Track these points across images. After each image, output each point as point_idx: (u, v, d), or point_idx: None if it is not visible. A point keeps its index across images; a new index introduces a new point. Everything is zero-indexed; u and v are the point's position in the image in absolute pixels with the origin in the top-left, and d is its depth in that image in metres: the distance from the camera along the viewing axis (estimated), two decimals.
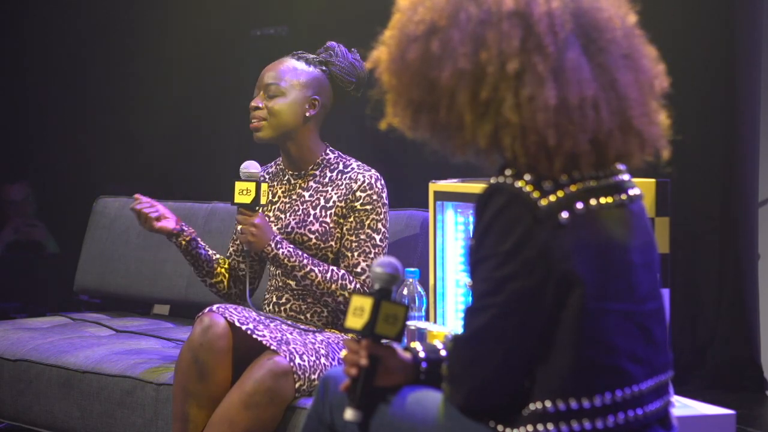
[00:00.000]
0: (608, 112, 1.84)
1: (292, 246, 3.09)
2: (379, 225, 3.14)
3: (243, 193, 3.04)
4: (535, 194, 1.82)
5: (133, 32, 5.74)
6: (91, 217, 4.39)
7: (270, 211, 3.23)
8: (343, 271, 3.10)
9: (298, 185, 3.23)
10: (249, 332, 2.88)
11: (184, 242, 3.17)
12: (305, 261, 3.07)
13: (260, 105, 3.17)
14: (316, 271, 3.07)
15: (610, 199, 1.88)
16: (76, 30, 5.79)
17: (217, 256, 3.28)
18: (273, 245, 3.06)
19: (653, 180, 2.65)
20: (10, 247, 5.75)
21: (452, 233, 3.21)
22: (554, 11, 1.82)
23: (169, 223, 3.15)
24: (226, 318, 2.90)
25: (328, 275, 3.07)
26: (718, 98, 4.66)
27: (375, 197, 3.14)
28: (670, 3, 4.60)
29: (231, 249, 3.32)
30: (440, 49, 1.84)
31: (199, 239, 3.22)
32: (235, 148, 5.57)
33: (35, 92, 5.91)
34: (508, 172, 1.85)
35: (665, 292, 2.06)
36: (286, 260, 3.06)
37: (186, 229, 3.18)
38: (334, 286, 3.07)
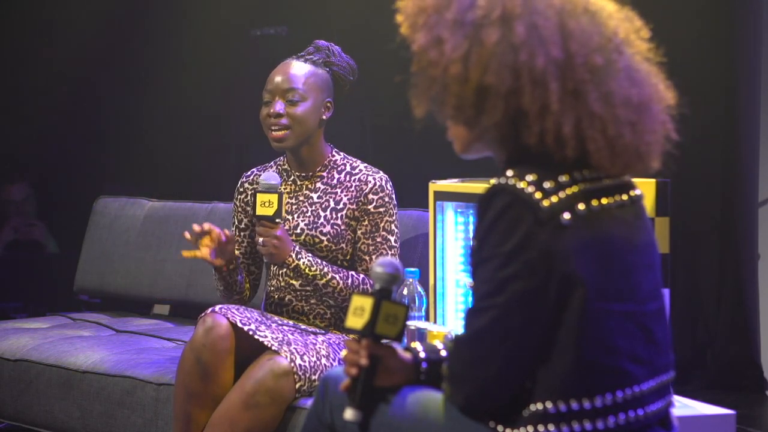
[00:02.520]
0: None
1: (311, 255, 3.08)
2: (392, 226, 3.14)
3: (265, 205, 3.00)
4: (537, 195, 1.82)
5: (133, 33, 5.74)
6: (91, 217, 4.40)
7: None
8: (362, 276, 3.10)
9: (304, 186, 3.21)
10: (251, 333, 2.89)
11: (228, 271, 3.12)
12: (326, 269, 3.07)
13: (281, 111, 3.12)
14: (338, 278, 3.07)
15: (611, 200, 1.88)
16: (76, 30, 5.79)
17: (241, 277, 3.26)
18: (294, 256, 3.05)
19: (653, 180, 2.65)
20: (10, 247, 5.75)
21: (452, 233, 3.21)
22: (613, 14, 1.90)
23: (217, 259, 3.08)
24: (228, 319, 2.90)
25: (349, 281, 3.08)
26: (719, 98, 4.66)
27: (387, 199, 3.14)
28: (671, 3, 4.60)
29: (238, 252, 3.30)
30: (526, 35, 1.83)
31: (239, 264, 3.16)
32: (236, 148, 5.57)
33: (35, 92, 5.90)
34: (510, 173, 1.85)
35: (665, 292, 2.06)
36: (307, 269, 3.05)
37: (233, 262, 3.11)
38: (355, 292, 3.07)
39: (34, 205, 5.89)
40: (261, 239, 3.02)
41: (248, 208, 3.25)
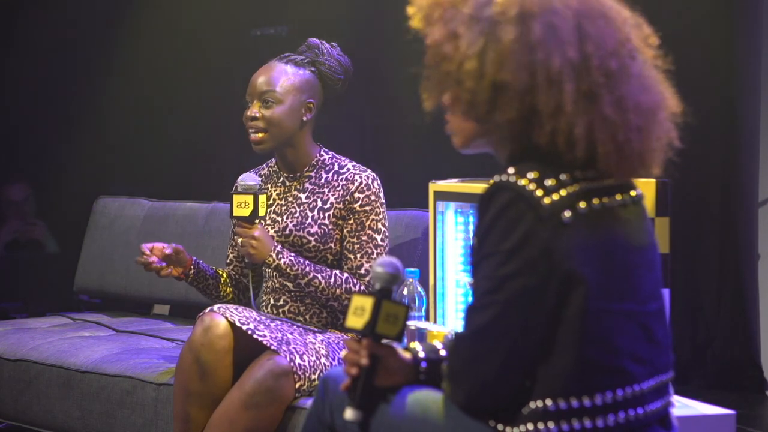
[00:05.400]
0: None
1: (293, 254, 3.08)
2: (379, 225, 3.13)
3: (241, 206, 3.02)
4: (539, 193, 1.82)
5: (133, 32, 5.74)
6: (91, 217, 4.40)
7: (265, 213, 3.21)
8: (346, 275, 3.09)
9: (293, 187, 3.21)
10: (249, 332, 2.88)
11: (190, 278, 3.18)
12: (308, 268, 3.06)
13: (257, 115, 3.13)
14: (320, 277, 3.06)
15: (612, 199, 1.88)
16: (75, 29, 5.79)
17: (220, 271, 3.27)
18: (274, 256, 3.05)
19: (653, 180, 2.65)
20: (10, 247, 5.75)
21: (452, 233, 3.22)
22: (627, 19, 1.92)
23: (174, 270, 3.15)
24: (226, 318, 2.90)
25: (332, 280, 3.07)
26: (719, 98, 4.66)
27: (373, 198, 3.13)
28: (672, 3, 4.60)
29: (231, 255, 3.31)
30: (543, 34, 1.83)
31: (203, 268, 3.20)
32: (236, 148, 5.56)
33: (35, 92, 5.90)
34: (511, 170, 1.85)
35: (665, 292, 2.06)
36: (288, 269, 3.05)
37: (192, 267, 3.17)
38: (338, 290, 3.07)
39: (34, 205, 5.88)
40: (240, 240, 3.04)
41: None
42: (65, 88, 5.86)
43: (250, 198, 3.02)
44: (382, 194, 3.16)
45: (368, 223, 3.12)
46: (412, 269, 2.97)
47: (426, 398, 1.98)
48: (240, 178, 3.08)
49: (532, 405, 1.84)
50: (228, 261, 3.32)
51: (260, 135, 3.13)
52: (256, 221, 3.05)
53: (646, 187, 2.61)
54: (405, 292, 2.95)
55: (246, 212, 3.03)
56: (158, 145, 5.73)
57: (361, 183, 3.13)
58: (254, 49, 5.55)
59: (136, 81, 5.76)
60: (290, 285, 3.14)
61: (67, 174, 5.85)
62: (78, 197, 5.21)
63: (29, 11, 5.87)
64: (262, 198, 3.04)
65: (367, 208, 3.13)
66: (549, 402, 1.82)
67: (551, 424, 1.82)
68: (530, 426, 1.83)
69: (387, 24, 5.00)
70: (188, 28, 5.61)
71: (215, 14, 5.61)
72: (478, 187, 3.07)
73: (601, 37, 1.85)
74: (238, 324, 2.89)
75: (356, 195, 3.12)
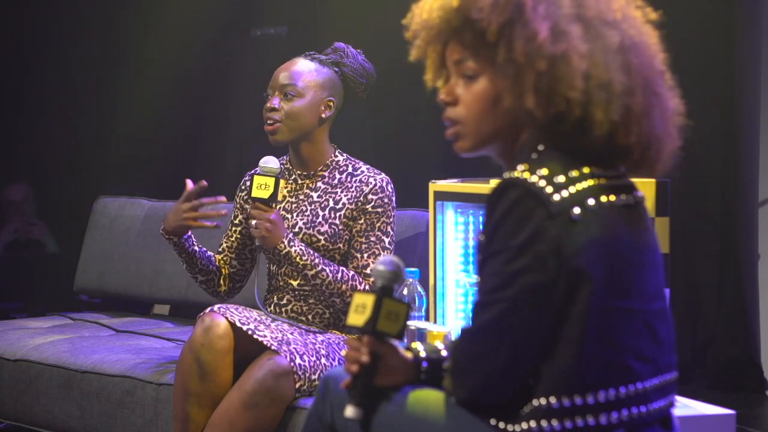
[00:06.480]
0: None
1: (303, 244, 3.08)
2: (389, 228, 3.14)
3: (261, 187, 3.02)
4: (549, 189, 1.82)
5: (133, 33, 5.74)
6: (91, 217, 4.40)
7: (282, 199, 3.21)
8: (353, 272, 3.10)
9: (305, 185, 3.22)
10: (250, 332, 2.88)
11: (179, 241, 3.16)
12: (317, 260, 3.07)
13: (277, 106, 3.15)
14: (327, 271, 3.06)
15: (619, 198, 1.89)
16: (76, 30, 5.79)
17: (210, 253, 3.27)
18: (286, 242, 3.05)
19: (653, 180, 2.65)
20: (10, 247, 5.75)
21: (452, 233, 3.22)
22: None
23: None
24: (227, 318, 2.90)
25: (339, 275, 3.07)
26: (719, 98, 4.66)
27: (386, 200, 3.14)
28: (671, 3, 4.60)
29: (224, 245, 3.31)
30: (636, 36, 1.91)
31: (192, 237, 3.20)
32: (236, 148, 5.57)
33: (35, 92, 5.90)
34: (521, 167, 1.85)
35: (665, 292, 2.06)
36: (298, 258, 3.06)
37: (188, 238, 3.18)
38: (344, 286, 3.07)
39: (34, 205, 5.88)
40: (254, 221, 3.03)
41: (246, 205, 3.25)
42: (65, 88, 5.87)
43: (271, 180, 3.02)
44: (394, 199, 3.17)
45: (378, 224, 3.13)
46: (412, 269, 2.97)
47: (427, 397, 1.98)
48: (262, 160, 3.08)
49: (535, 402, 1.83)
50: (220, 249, 3.31)
51: (276, 125, 3.14)
52: (273, 205, 3.05)
53: (646, 187, 2.61)
54: (405, 292, 2.95)
55: (265, 194, 3.02)
56: (158, 145, 5.73)
57: (375, 185, 3.14)
58: (254, 49, 5.55)
59: (137, 81, 5.76)
60: (294, 283, 3.14)
61: (67, 174, 5.85)
62: (78, 197, 5.22)
63: (31, 12, 5.87)
64: (282, 183, 3.05)
65: (379, 209, 3.13)
66: (552, 399, 1.82)
67: (554, 422, 1.82)
68: (533, 423, 1.83)
69: (386, 24, 5.00)
70: (188, 28, 5.60)
71: (215, 14, 5.61)
72: (478, 187, 3.07)
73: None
74: (238, 324, 2.89)
75: (370, 196, 3.13)
